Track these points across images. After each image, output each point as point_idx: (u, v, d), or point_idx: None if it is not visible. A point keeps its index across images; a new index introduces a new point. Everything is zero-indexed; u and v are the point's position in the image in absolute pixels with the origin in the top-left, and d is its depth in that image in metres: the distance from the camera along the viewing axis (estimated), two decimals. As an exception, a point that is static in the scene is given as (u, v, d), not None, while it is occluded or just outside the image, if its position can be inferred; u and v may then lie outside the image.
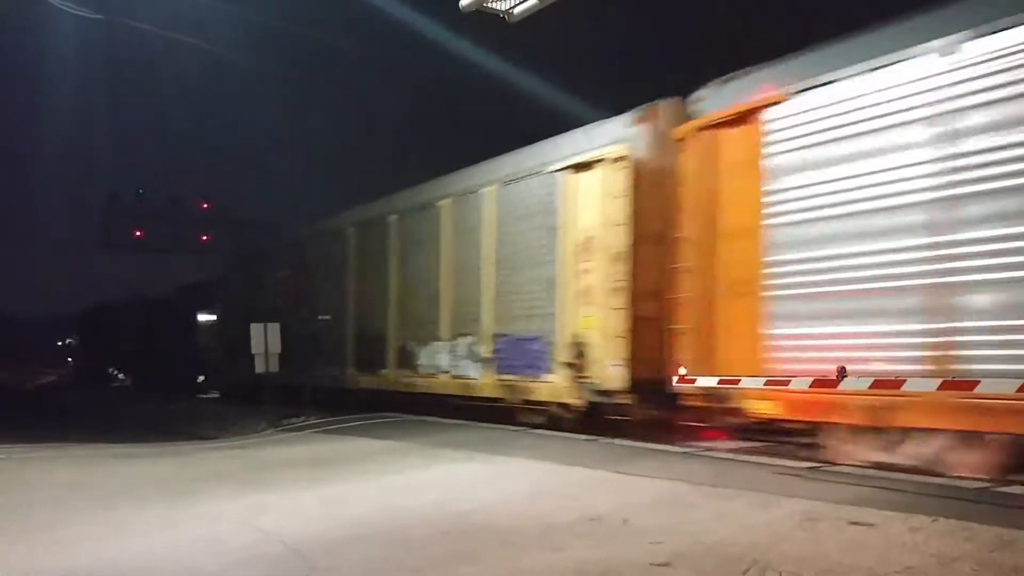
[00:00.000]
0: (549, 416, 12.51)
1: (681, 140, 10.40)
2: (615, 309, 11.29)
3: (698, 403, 9.96)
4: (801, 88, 8.95)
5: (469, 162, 15.37)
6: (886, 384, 7.99)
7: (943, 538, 5.48)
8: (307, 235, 21.53)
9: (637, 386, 11.03)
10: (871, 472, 8.13)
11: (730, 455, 9.38)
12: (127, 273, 41.04)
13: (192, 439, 17.03)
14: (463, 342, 14.75)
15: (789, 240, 9.00)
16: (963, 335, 7.53)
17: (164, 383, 33.89)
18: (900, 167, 8.07)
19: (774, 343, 9.07)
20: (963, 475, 7.56)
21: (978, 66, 7.53)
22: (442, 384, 15.24)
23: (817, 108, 8.81)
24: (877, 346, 8.13)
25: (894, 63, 8.17)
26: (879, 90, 8.28)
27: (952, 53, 7.73)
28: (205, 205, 38.50)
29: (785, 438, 9.86)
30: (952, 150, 7.68)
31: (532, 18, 9.24)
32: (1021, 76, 7.30)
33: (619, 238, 11.33)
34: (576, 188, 12.10)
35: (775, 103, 9.20)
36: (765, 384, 9.08)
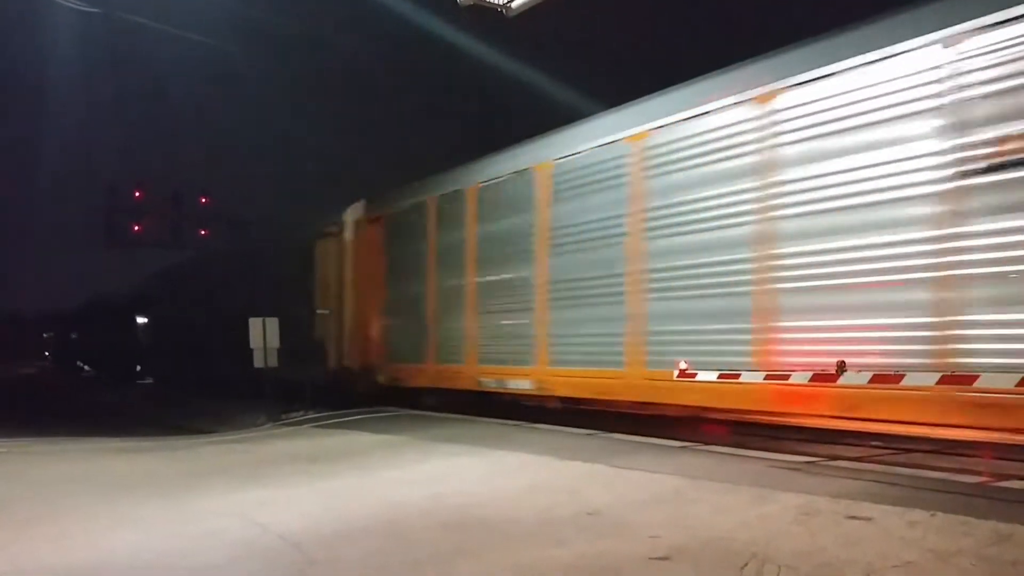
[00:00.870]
0: None
1: None
2: None
3: None
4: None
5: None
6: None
7: (941, 533, 5.48)
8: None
9: None
10: (868, 466, 8.15)
11: (728, 449, 9.38)
12: (125, 268, 41.04)
13: (191, 433, 17.04)
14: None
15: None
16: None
17: (110, 373, 42.41)
18: None
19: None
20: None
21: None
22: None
23: None
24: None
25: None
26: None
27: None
28: (204, 200, 38.46)
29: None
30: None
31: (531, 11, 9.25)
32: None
33: None
34: None
35: None
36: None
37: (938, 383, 7.61)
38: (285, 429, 14.98)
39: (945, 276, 7.79)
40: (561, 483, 8.02)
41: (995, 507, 6.13)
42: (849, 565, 4.89)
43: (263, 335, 16.84)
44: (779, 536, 5.57)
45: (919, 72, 8.08)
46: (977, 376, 7.39)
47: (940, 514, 5.89)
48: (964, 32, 7.75)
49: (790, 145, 9.21)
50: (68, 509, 7.60)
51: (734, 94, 9.89)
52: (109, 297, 45.84)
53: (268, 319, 17.00)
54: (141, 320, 40.81)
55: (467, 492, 7.71)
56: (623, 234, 11.41)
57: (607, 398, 11.90)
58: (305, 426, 14.91)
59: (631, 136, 11.56)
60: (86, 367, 53.64)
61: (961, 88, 7.78)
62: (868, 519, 5.89)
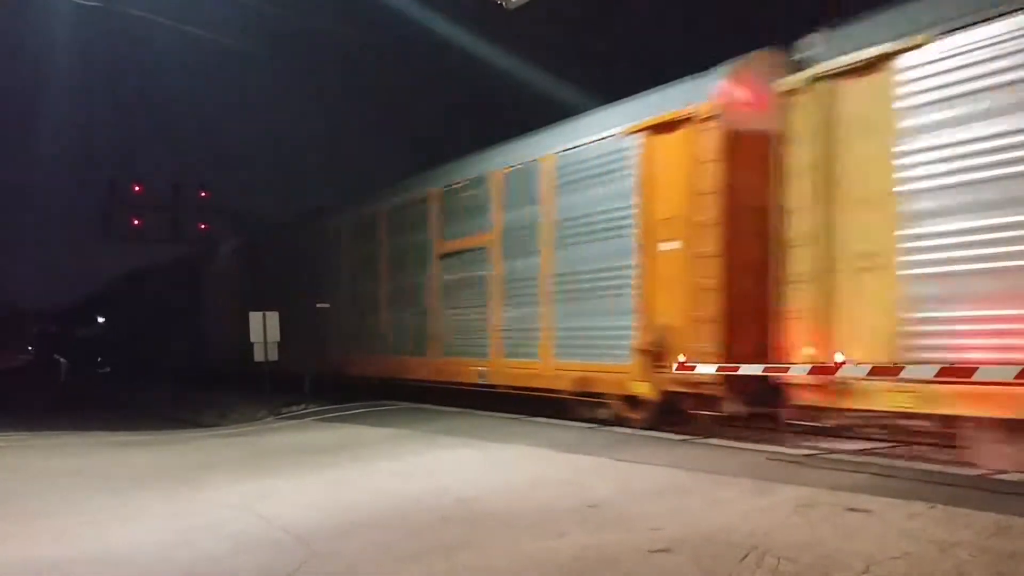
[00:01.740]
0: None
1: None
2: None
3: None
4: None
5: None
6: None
7: (941, 524, 5.50)
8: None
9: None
10: (868, 459, 8.16)
11: (727, 442, 9.40)
12: (126, 262, 41.16)
13: (193, 427, 17.08)
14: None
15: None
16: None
17: (77, 364, 54.13)
18: None
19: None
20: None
21: None
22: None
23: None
24: None
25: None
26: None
27: None
28: (203, 194, 38.43)
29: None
30: None
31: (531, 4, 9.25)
32: None
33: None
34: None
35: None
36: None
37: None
38: (286, 423, 15.01)
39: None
40: (562, 476, 8.05)
41: (994, 499, 6.15)
42: (849, 556, 4.91)
43: (263, 329, 16.85)
44: (779, 528, 5.59)
45: None
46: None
47: (939, 506, 5.92)
48: None
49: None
50: (70, 502, 7.63)
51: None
52: (97, 293, 53.10)
53: (268, 313, 17.02)
54: (100, 319, 53.30)
55: (468, 485, 7.73)
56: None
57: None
58: (307, 420, 14.94)
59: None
60: (62, 359, 60.68)
61: None
62: (867, 511, 5.92)
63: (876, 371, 7.83)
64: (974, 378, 7.03)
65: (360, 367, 17.77)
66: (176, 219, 37.87)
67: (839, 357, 8.11)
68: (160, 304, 34.90)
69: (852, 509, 5.99)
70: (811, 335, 8.59)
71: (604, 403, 11.25)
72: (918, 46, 7.79)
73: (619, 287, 11.08)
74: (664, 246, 10.50)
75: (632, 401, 10.78)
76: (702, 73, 10.47)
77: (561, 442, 9.87)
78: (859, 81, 8.35)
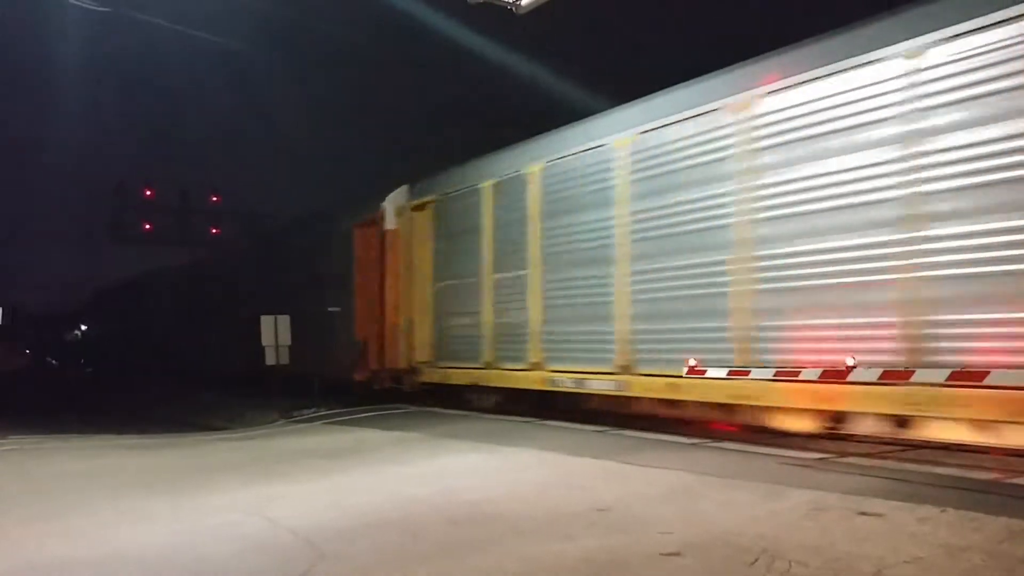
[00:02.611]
0: None
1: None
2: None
3: None
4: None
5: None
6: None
7: (952, 529, 5.48)
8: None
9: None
10: (879, 463, 8.13)
11: (738, 446, 9.37)
12: (135, 265, 41.36)
13: (202, 430, 17.12)
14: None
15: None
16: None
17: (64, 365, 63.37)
18: None
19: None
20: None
21: None
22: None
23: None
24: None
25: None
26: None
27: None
28: (215, 198, 38.57)
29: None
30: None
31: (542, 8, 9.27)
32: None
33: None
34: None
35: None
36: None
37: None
38: (296, 426, 15.03)
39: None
40: (571, 479, 8.03)
41: (1006, 503, 6.11)
42: (860, 560, 4.88)
43: (275, 332, 16.90)
44: (789, 532, 5.57)
45: None
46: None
47: (950, 510, 5.88)
48: None
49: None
50: (78, 505, 7.65)
51: None
52: (90, 299, 56.43)
53: (280, 317, 17.07)
54: (83, 327, 63.70)
55: (477, 488, 7.72)
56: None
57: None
58: (317, 423, 14.96)
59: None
60: (54, 361, 68.52)
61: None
62: (879, 515, 5.89)
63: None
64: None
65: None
66: (187, 222, 38.04)
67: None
68: (156, 309, 36.60)
69: (863, 513, 5.97)
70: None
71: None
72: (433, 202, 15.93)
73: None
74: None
75: None
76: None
77: (569, 445, 9.86)
78: (420, 213, 16.31)
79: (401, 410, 15.59)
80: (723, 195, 10.04)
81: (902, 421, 8.57)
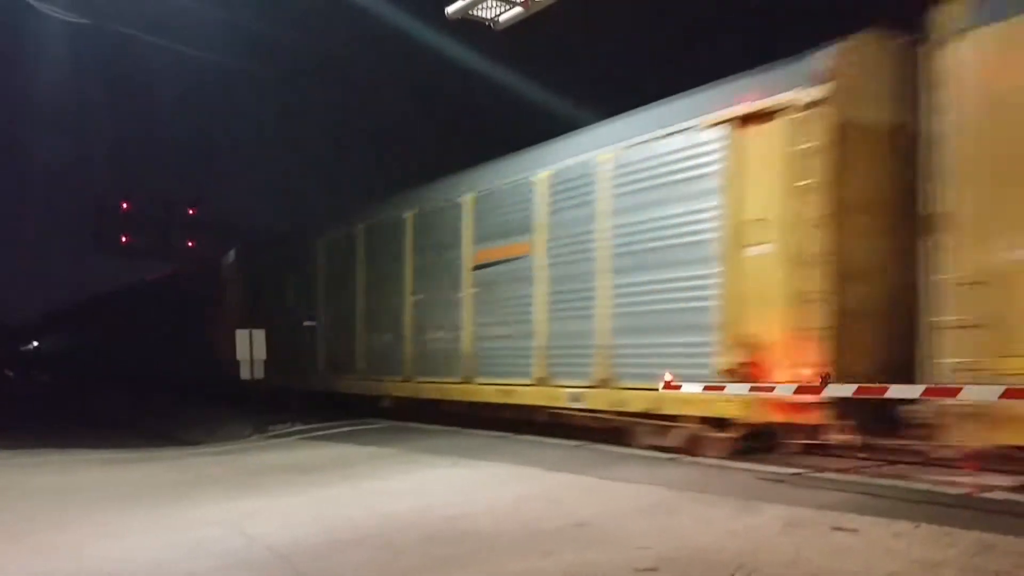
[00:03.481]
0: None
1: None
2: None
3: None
4: None
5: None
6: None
7: (926, 544, 5.53)
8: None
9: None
10: (853, 478, 8.19)
11: (714, 461, 9.40)
12: (112, 278, 41.18)
13: (179, 444, 16.97)
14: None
15: None
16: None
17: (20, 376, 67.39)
18: None
19: None
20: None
21: None
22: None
23: None
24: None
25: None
26: None
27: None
28: (192, 211, 38.43)
29: None
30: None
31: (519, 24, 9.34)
32: None
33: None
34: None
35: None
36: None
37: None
38: (272, 441, 14.94)
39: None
40: (548, 494, 8.03)
41: (979, 518, 6.17)
42: (835, 575, 4.92)
43: (249, 347, 16.78)
44: (765, 547, 5.60)
45: None
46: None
47: (925, 525, 5.94)
48: None
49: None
50: (54, 520, 7.57)
51: None
52: (57, 311, 59.02)
53: (255, 331, 16.95)
54: (35, 342, 71.12)
55: (455, 503, 7.71)
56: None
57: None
58: (293, 438, 14.87)
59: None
60: (10, 373, 72.09)
61: None
62: (853, 530, 5.94)
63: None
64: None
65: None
66: (165, 236, 37.86)
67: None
68: (115, 324, 39.43)
69: (838, 528, 6.01)
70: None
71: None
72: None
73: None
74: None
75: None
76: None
77: (547, 461, 9.86)
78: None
79: (378, 425, 15.52)
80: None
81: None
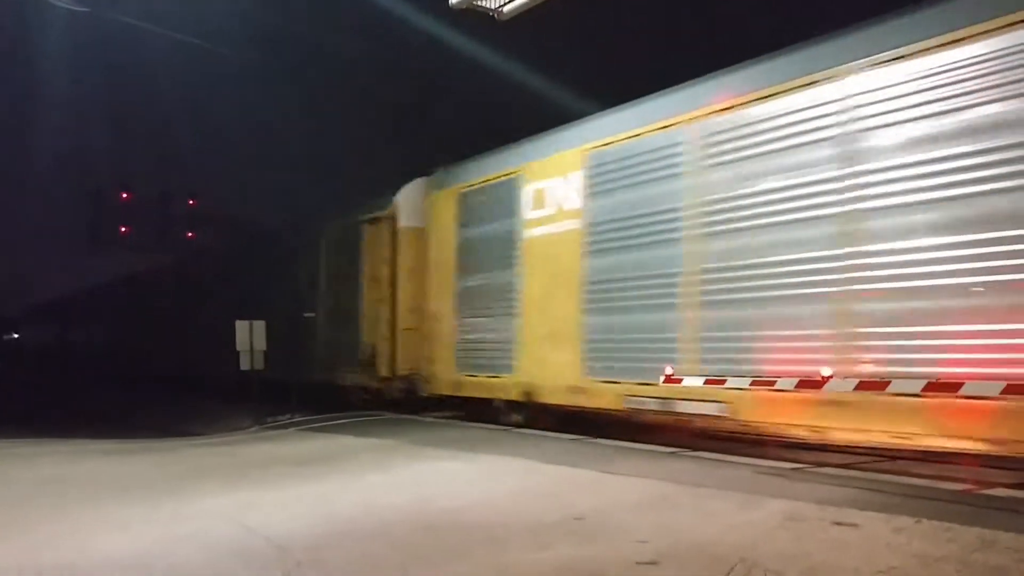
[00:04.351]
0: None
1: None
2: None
3: None
4: None
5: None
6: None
7: (926, 539, 5.51)
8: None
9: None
10: (854, 473, 8.18)
11: (714, 455, 9.39)
12: (110, 269, 41.01)
13: (177, 436, 16.95)
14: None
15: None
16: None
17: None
18: None
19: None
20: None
21: None
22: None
23: None
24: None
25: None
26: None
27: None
28: (192, 202, 38.31)
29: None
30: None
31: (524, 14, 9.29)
32: None
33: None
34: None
35: None
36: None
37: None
38: (271, 432, 14.92)
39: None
40: (548, 488, 8.02)
41: (979, 514, 6.17)
42: (835, 570, 4.91)
43: (249, 338, 16.77)
44: (765, 541, 5.59)
45: None
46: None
47: (925, 520, 5.93)
48: None
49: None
50: (51, 511, 7.55)
51: None
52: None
53: (255, 322, 16.94)
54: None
55: (454, 496, 7.70)
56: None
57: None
58: (291, 429, 14.86)
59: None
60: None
61: None
62: (854, 525, 5.92)
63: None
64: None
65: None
66: (163, 226, 37.72)
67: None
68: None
69: (838, 523, 5.99)
70: None
71: None
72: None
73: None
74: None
75: None
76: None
77: (546, 454, 9.85)
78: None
79: (378, 417, 15.52)
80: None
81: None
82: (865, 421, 8.20)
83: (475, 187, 14.58)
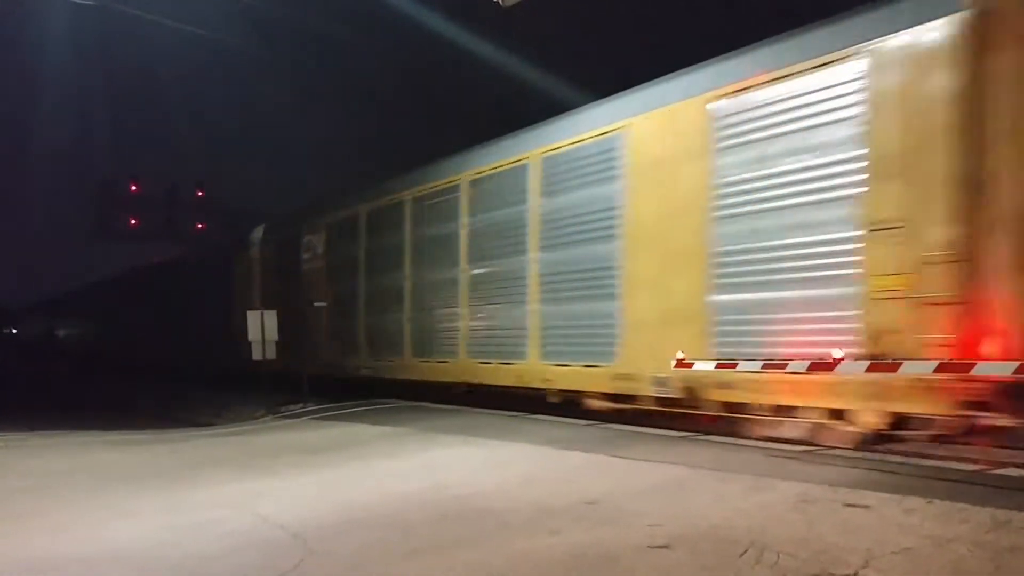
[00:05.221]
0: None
1: None
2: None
3: None
4: None
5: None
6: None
7: (938, 520, 5.50)
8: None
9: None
10: (866, 455, 8.16)
11: (726, 439, 9.39)
12: (118, 261, 41.19)
13: (189, 426, 17.05)
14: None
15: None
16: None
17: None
18: None
19: None
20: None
21: None
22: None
23: None
24: None
25: None
26: None
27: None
28: (200, 193, 38.37)
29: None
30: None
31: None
32: None
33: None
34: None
35: None
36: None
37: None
38: (284, 421, 14.99)
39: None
40: (560, 473, 8.04)
41: (992, 494, 6.15)
42: (847, 552, 4.90)
43: (261, 328, 16.83)
44: (778, 523, 5.59)
45: None
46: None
47: (937, 501, 5.91)
48: None
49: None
50: (64, 501, 7.61)
51: None
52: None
53: (267, 312, 17.00)
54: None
55: (466, 482, 7.72)
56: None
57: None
58: (304, 418, 14.92)
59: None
60: None
61: None
62: (866, 507, 5.91)
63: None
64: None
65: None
66: (172, 218, 37.79)
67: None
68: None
69: (850, 504, 5.99)
70: None
71: None
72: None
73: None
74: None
75: None
76: None
77: (558, 439, 9.86)
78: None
79: (390, 405, 15.56)
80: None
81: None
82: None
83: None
